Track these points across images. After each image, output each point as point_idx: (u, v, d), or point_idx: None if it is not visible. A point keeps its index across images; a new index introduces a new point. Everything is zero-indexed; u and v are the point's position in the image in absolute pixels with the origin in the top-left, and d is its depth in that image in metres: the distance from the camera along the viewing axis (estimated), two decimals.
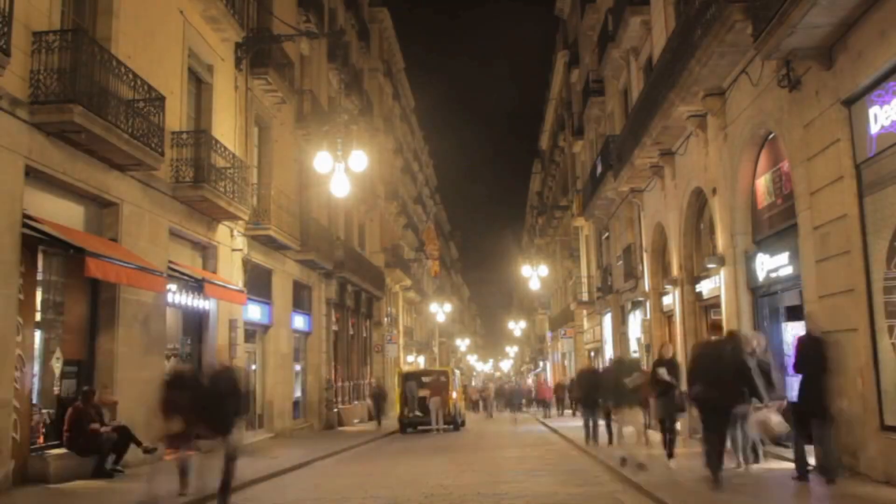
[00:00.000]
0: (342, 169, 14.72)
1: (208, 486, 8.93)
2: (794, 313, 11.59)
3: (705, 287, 15.73)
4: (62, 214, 11.78)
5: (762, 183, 12.51)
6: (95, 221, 12.71)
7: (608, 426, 15.51)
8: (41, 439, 11.31)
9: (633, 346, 23.71)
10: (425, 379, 26.05)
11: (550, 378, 46.87)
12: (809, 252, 9.99)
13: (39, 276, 11.40)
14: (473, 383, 68.33)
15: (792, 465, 9.39)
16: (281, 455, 15.50)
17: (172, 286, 14.88)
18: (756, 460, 10.34)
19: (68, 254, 11.40)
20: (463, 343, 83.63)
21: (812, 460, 9.23)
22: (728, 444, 9.81)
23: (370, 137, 29.63)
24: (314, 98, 24.06)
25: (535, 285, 37.99)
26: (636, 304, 22.88)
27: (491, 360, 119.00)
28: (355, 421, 28.85)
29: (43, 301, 11.53)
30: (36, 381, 11.22)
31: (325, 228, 25.05)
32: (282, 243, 19.98)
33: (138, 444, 11.79)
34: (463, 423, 26.97)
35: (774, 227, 12.03)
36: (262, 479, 12.00)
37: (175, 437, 9.05)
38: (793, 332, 11.91)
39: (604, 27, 24.06)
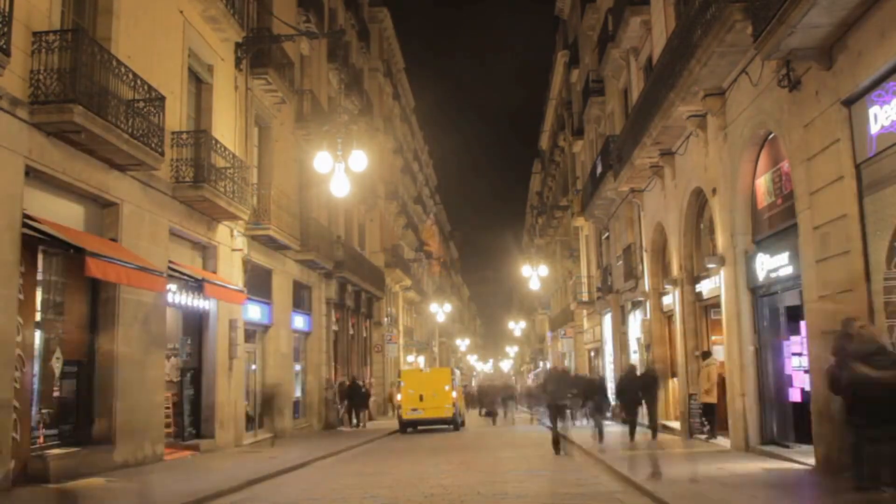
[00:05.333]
0: (342, 169, 14.71)
1: None
2: (794, 313, 11.59)
3: (705, 287, 15.73)
4: (62, 214, 11.78)
5: (762, 183, 12.51)
6: (95, 221, 12.71)
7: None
8: (41, 439, 11.32)
9: (633, 346, 23.71)
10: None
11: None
12: (809, 252, 9.99)
13: (39, 276, 11.40)
14: (474, 383, 68.30)
15: None
16: (281, 455, 15.49)
17: (172, 286, 14.89)
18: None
19: (68, 254, 11.41)
20: (463, 343, 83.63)
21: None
22: None
23: (370, 137, 29.63)
24: (314, 98, 24.07)
25: (535, 285, 37.96)
26: (636, 304, 22.88)
27: (491, 360, 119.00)
28: (354, 421, 28.78)
29: (43, 301, 11.54)
30: (36, 381, 11.22)
31: (325, 228, 25.06)
32: (282, 243, 19.99)
33: None
34: (463, 423, 26.98)
35: (774, 227, 12.03)
36: (261, 479, 12.00)
37: None
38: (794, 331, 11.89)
39: (604, 27, 24.07)
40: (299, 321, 23.58)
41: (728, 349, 13.77)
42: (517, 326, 73.36)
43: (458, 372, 34.71)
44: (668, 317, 19.03)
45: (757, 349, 12.84)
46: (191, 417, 16.27)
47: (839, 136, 9.09)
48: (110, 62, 11.80)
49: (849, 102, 8.96)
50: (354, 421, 26.45)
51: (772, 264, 12.03)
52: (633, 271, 22.42)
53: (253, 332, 19.88)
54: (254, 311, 19.38)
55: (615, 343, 26.06)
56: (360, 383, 27.98)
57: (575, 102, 34.43)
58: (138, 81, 12.48)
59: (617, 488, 10.18)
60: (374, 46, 37.85)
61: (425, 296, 52.53)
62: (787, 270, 11.41)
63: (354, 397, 26.54)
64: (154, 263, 13.18)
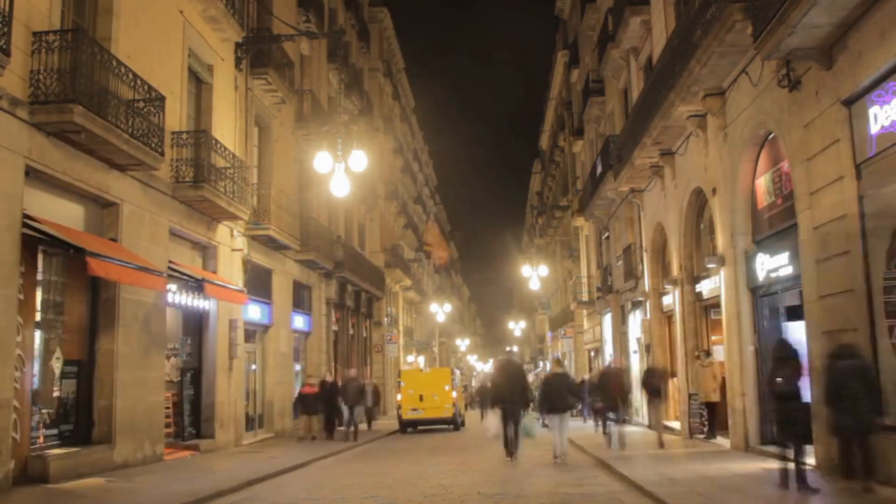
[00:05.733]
0: (342, 169, 14.72)
1: None
2: (794, 313, 11.59)
3: (705, 287, 15.73)
4: (62, 214, 11.78)
5: (762, 183, 12.51)
6: (95, 221, 12.71)
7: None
8: (41, 439, 11.32)
9: (634, 346, 23.71)
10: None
11: None
12: (809, 252, 9.99)
13: (39, 276, 11.40)
14: (474, 383, 68.28)
15: None
16: (281, 455, 15.50)
17: (172, 286, 14.88)
18: None
19: (68, 254, 11.41)
20: (463, 343, 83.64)
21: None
22: None
23: (370, 137, 29.62)
24: (314, 98, 24.07)
25: (535, 285, 37.97)
26: (636, 304, 22.87)
27: (491, 360, 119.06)
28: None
29: (43, 301, 11.53)
30: (36, 381, 11.22)
31: (325, 228, 25.06)
32: (282, 243, 19.99)
33: None
34: (463, 423, 26.98)
35: (774, 227, 12.03)
36: (262, 479, 12.00)
37: None
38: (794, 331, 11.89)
39: (604, 27, 24.07)
40: (299, 321, 23.57)
41: (728, 349, 13.77)
42: (517, 326, 73.34)
43: (458, 372, 34.71)
44: (668, 317, 19.03)
45: (757, 349, 12.84)
46: (191, 417, 16.27)
47: (839, 136, 9.09)
48: (110, 62, 11.79)
49: (849, 102, 8.96)
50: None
51: (772, 264, 12.03)
52: (633, 271, 22.41)
53: (253, 332, 19.88)
54: (254, 311, 19.38)
55: (615, 343, 26.05)
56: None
57: (575, 102, 34.43)
58: (138, 81, 12.48)
59: (617, 487, 10.19)
60: (374, 46, 37.86)
61: (425, 296, 52.53)
62: (787, 270, 11.41)
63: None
64: (154, 263, 13.18)
